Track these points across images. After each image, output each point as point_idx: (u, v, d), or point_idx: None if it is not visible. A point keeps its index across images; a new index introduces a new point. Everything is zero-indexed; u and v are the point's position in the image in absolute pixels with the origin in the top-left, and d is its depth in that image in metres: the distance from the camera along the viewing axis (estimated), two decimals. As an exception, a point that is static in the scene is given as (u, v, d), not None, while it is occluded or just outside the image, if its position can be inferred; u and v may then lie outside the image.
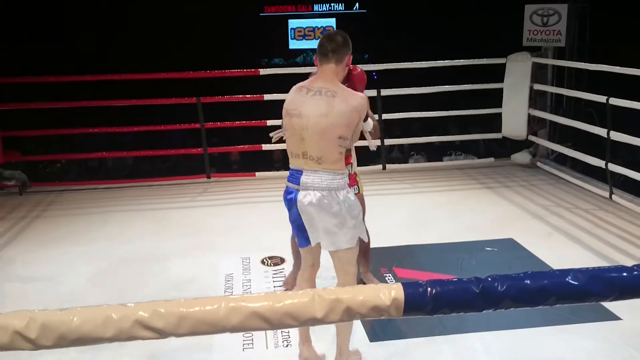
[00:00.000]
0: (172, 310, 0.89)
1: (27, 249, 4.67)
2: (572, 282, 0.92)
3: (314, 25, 15.94)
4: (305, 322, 0.91)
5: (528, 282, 0.93)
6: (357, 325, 3.31)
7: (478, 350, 3.03)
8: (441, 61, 6.59)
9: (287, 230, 3.05)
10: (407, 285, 0.94)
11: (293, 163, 2.68)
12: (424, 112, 6.71)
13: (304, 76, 6.96)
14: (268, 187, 5.84)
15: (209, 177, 6.28)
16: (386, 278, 3.93)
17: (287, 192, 2.70)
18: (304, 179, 2.61)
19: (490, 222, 4.98)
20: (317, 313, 0.90)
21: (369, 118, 2.78)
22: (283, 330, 3.28)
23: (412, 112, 6.66)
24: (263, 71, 6.23)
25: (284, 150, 7.62)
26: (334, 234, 2.64)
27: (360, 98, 2.61)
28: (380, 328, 3.30)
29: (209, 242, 4.64)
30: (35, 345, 0.87)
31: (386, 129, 8.09)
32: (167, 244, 4.63)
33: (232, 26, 13.88)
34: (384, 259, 4.16)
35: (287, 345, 3.16)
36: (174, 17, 12.64)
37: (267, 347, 3.15)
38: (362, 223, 2.76)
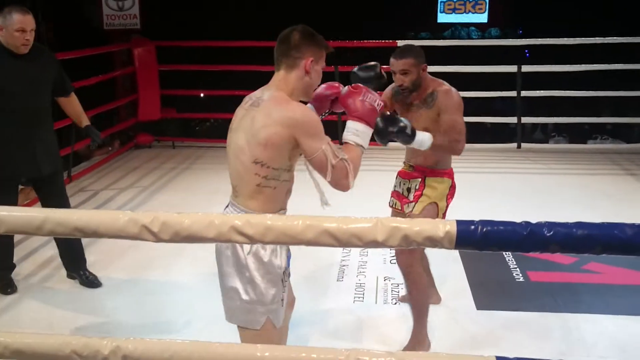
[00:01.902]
0: (261, 222, 1.10)
1: (176, 196, 5.26)
2: (620, 234, 0.97)
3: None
4: (367, 243, 1.06)
5: (575, 229, 1.00)
6: (466, 292, 3.40)
7: (586, 331, 2.98)
8: (598, 38, 6.20)
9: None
10: (460, 222, 1.05)
11: None
12: (570, 92, 6.39)
13: (444, 50, 6.94)
14: (399, 158, 5.96)
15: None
16: (504, 253, 3.93)
17: None
18: (225, 211, 2.02)
19: (628, 209, 4.71)
20: (379, 237, 1.05)
21: (324, 146, 1.84)
22: (393, 288, 3.45)
23: (555, 91, 6.38)
24: (400, 43, 6.31)
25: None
26: (229, 298, 1.93)
27: (290, 111, 1.83)
28: (488, 297, 3.35)
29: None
30: (157, 238, 1.12)
31: (530, 108, 7.82)
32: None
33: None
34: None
35: (395, 303, 3.32)
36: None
37: (375, 302, 3.34)
38: (280, 305, 1.94)
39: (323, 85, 2.18)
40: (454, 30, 15.91)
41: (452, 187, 2.84)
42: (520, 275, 3.62)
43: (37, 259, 3.92)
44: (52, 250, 4.02)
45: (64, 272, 3.64)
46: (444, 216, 2.84)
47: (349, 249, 4.03)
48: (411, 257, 2.78)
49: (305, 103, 2.10)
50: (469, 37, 15.76)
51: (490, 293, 3.42)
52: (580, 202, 4.86)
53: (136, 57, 6.71)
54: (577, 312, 3.17)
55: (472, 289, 3.43)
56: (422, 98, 2.73)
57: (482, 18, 15.58)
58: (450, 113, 2.66)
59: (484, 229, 1.02)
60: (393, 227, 1.05)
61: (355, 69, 2.62)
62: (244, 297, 1.87)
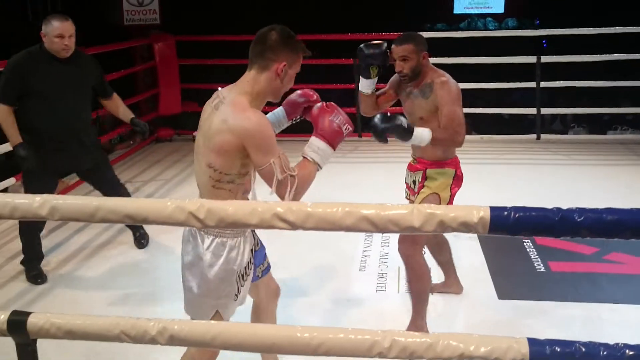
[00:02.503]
0: (302, 209, 1.15)
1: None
2: (649, 219, 1.01)
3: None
4: (404, 229, 1.11)
5: (605, 215, 1.04)
6: (487, 282, 3.43)
7: (608, 320, 3.01)
8: (618, 27, 6.15)
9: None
10: (494, 208, 1.10)
11: None
12: (590, 82, 6.35)
13: (461, 41, 6.92)
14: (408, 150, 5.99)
15: (360, 136, 6.59)
16: (524, 243, 3.96)
17: None
18: None
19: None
20: (415, 222, 1.09)
21: (273, 161, 1.82)
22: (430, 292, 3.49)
23: (575, 81, 6.35)
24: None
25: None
26: (186, 289, 1.99)
27: (244, 120, 1.78)
28: (510, 287, 3.38)
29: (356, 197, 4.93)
30: (203, 224, 1.18)
31: (549, 99, 7.79)
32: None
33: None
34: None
35: (417, 293, 3.36)
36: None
37: (398, 291, 3.38)
38: (231, 299, 1.97)
39: (299, 92, 2.18)
40: (470, 21, 15.81)
41: (457, 177, 2.86)
42: (542, 265, 3.65)
43: (63, 251, 4.02)
44: (78, 242, 4.14)
45: (92, 261, 3.74)
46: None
47: (370, 240, 4.09)
48: (412, 248, 2.83)
49: (278, 105, 2.12)
50: (486, 28, 15.64)
51: (512, 283, 3.45)
52: (601, 192, 4.86)
53: (156, 52, 6.79)
54: (599, 302, 3.19)
55: (493, 279, 3.47)
56: (420, 87, 2.77)
57: (499, 8, 15.48)
58: (448, 105, 2.67)
59: (517, 215, 1.07)
60: (429, 213, 1.09)
61: (362, 45, 2.68)
62: (195, 290, 1.93)
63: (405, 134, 2.55)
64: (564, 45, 6.64)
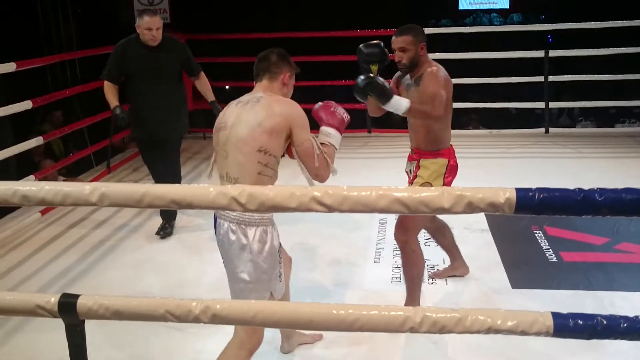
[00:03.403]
0: (338, 192, 1.22)
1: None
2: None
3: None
4: (435, 210, 1.18)
5: (624, 194, 1.11)
6: (501, 272, 3.50)
7: (622, 307, 3.06)
8: (624, 21, 6.20)
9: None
10: (519, 190, 1.17)
11: None
12: (598, 75, 6.41)
13: (466, 37, 6.95)
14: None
15: (369, 132, 6.66)
16: (536, 235, 4.03)
17: (214, 220, 2.25)
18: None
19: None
20: (445, 204, 1.17)
21: (308, 140, 2.19)
22: (429, 269, 3.56)
23: (583, 75, 6.41)
24: (426, 31, 6.37)
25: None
26: (237, 280, 2.17)
27: (287, 104, 2.19)
28: (523, 277, 3.45)
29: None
30: (245, 208, 1.25)
31: (556, 94, 7.84)
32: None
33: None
34: (536, 216, 4.23)
35: (431, 283, 3.44)
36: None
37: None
38: (279, 279, 2.23)
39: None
40: (476, 16, 15.83)
41: (450, 166, 2.97)
42: (554, 255, 3.71)
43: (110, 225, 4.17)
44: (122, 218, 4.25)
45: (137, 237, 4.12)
46: None
47: (383, 232, 4.16)
48: (407, 235, 2.97)
49: None
50: (491, 24, 15.66)
51: (525, 273, 3.52)
52: (611, 184, 4.86)
53: (168, 50, 6.85)
54: (610, 290, 3.26)
55: (506, 269, 3.54)
56: (414, 77, 2.91)
57: (504, 4, 15.51)
58: (433, 86, 2.79)
59: (541, 195, 1.14)
60: (458, 195, 1.17)
61: (361, 45, 2.83)
62: (248, 278, 2.13)
63: (383, 95, 2.70)
64: (569, 39, 6.69)
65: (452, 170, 2.98)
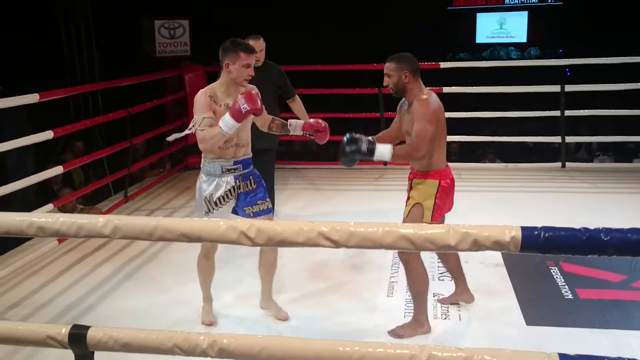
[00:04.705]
0: (345, 228, 1.24)
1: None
2: (673, 239, 1.07)
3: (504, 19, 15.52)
4: (441, 247, 1.19)
5: (630, 234, 1.11)
6: (514, 307, 3.46)
7: (637, 347, 3.01)
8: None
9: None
10: (525, 228, 1.17)
11: None
12: (615, 110, 6.40)
13: (483, 70, 7.02)
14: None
15: (385, 165, 6.67)
16: (551, 271, 3.98)
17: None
18: None
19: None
20: (451, 241, 1.18)
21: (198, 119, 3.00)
22: (443, 304, 3.53)
23: (599, 110, 6.40)
24: (444, 64, 6.44)
25: (461, 143, 7.67)
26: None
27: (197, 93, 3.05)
28: (537, 313, 3.40)
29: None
30: (253, 242, 1.27)
31: (572, 127, 7.81)
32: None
33: (419, 19, 14.05)
34: (551, 252, 4.19)
35: (444, 318, 3.40)
36: (362, 6, 13.15)
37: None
38: (203, 214, 3.11)
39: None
40: (493, 50, 15.92)
41: (442, 187, 3.08)
42: (569, 292, 3.66)
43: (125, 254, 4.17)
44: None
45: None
46: (433, 216, 3.05)
47: (397, 265, 4.14)
48: (408, 254, 3.08)
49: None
50: (509, 57, 15.72)
51: (539, 309, 3.47)
52: (629, 220, 4.82)
53: (187, 82, 7.00)
54: (627, 329, 3.20)
55: (520, 305, 3.49)
56: (409, 104, 3.10)
57: (522, 38, 15.58)
58: (419, 121, 2.96)
59: (547, 234, 1.14)
60: (464, 233, 1.17)
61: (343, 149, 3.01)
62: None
63: (366, 155, 2.95)
64: (588, 73, 6.70)
65: (443, 191, 3.09)
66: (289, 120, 3.52)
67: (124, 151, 5.86)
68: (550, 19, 14.41)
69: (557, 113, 6.26)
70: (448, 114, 6.30)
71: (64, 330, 1.42)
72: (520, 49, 15.91)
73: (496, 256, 4.17)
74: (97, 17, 8.01)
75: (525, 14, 15.34)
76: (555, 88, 6.22)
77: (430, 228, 1.21)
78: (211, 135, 2.94)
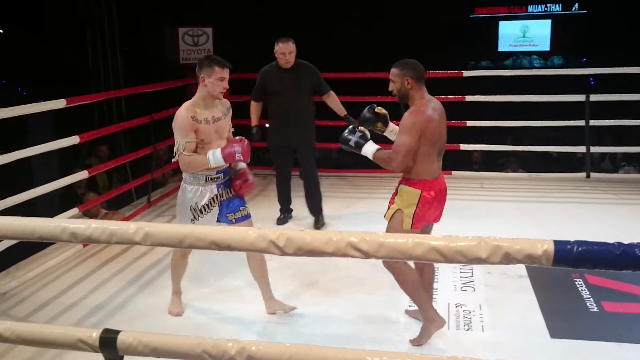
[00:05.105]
0: (375, 239, 1.24)
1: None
2: None
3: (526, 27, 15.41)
4: (471, 260, 1.18)
5: (666, 250, 1.09)
6: (539, 319, 3.42)
7: (667, 362, 2.96)
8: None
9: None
10: (557, 242, 1.16)
11: None
12: (639, 121, 6.30)
13: (505, 79, 6.97)
14: (462, 186, 6.01)
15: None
16: (576, 283, 3.93)
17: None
18: None
19: None
20: (482, 254, 1.17)
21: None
22: (465, 315, 3.50)
23: (625, 120, 6.31)
24: (466, 73, 6.41)
25: (485, 152, 7.59)
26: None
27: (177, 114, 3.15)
28: (562, 326, 3.36)
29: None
30: (282, 252, 1.28)
31: (597, 137, 7.72)
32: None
33: (442, 27, 14.03)
34: (576, 264, 4.14)
35: (467, 329, 3.37)
36: (383, 15, 13.16)
37: (448, 328, 3.38)
38: (189, 222, 3.24)
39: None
40: (515, 58, 15.82)
41: (423, 198, 3.05)
42: (594, 305, 3.61)
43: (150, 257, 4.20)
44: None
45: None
46: (413, 224, 3.05)
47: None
48: (392, 262, 3.09)
49: None
50: (531, 66, 15.60)
51: (564, 322, 3.42)
52: (655, 233, 4.78)
53: (210, 89, 7.03)
54: (656, 344, 3.14)
55: (545, 318, 3.45)
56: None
57: (545, 46, 15.46)
58: (400, 132, 3.03)
59: (579, 249, 1.13)
60: (495, 246, 1.17)
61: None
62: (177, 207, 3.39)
63: (356, 148, 3.12)
64: (612, 82, 6.62)
65: (425, 202, 3.06)
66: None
67: (147, 157, 5.91)
68: (574, 28, 14.30)
69: (581, 123, 6.18)
70: (470, 123, 6.31)
71: (94, 334, 1.44)
72: (543, 58, 15.78)
73: (519, 267, 4.12)
74: (122, 25, 8.12)
75: (548, 22, 15.24)
76: (580, 97, 6.15)
77: (461, 240, 1.20)
78: (197, 164, 3.15)
